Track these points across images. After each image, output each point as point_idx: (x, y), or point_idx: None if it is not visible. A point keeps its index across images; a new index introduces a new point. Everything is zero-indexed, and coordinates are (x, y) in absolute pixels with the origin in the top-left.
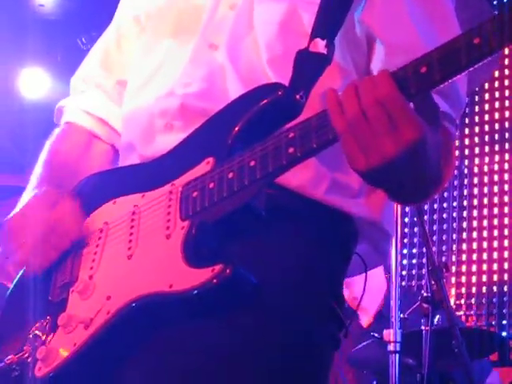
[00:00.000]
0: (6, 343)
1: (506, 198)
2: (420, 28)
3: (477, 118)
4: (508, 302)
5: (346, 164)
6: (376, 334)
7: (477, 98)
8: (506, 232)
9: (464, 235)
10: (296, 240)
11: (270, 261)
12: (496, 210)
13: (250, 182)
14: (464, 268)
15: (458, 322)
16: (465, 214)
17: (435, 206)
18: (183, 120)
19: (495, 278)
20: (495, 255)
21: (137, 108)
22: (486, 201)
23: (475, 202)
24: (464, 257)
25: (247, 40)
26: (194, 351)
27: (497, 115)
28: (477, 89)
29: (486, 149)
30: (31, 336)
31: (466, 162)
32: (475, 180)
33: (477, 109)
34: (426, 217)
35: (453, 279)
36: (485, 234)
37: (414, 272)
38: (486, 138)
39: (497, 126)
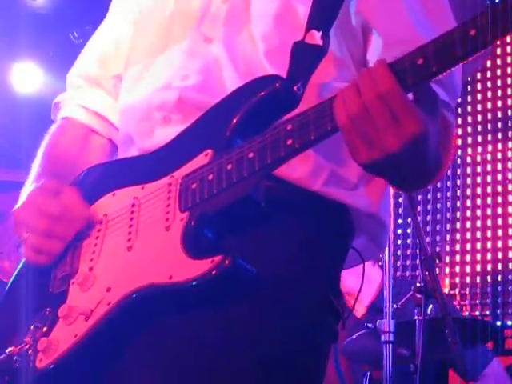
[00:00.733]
0: (7, 335)
1: (500, 188)
2: (416, 19)
3: (469, 108)
4: (502, 292)
5: (344, 156)
6: (369, 325)
7: (469, 88)
8: (500, 222)
9: (458, 225)
10: (294, 232)
11: (268, 252)
12: (489, 200)
13: (249, 174)
14: (458, 258)
15: (452, 311)
16: (458, 204)
17: (429, 196)
18: (181, 113)
19: (489, 267)
20: (489, 245)
21: (134, 100)
22: (479, 191)
23: (468, 191)
24: (458, 247)
25: (243, 33)
26: (193, 342)
27: (489, 105)
28: (469, 79)
29: (479, 139)
30: (32, 327)
31: (459, 152)
32: (468, 170)
33: (469, 99)
34: (419, 207)
35: (447, 269)
36: (478, 223)
37: (408, 263)
38: (479, 127)
39: (489, 116)
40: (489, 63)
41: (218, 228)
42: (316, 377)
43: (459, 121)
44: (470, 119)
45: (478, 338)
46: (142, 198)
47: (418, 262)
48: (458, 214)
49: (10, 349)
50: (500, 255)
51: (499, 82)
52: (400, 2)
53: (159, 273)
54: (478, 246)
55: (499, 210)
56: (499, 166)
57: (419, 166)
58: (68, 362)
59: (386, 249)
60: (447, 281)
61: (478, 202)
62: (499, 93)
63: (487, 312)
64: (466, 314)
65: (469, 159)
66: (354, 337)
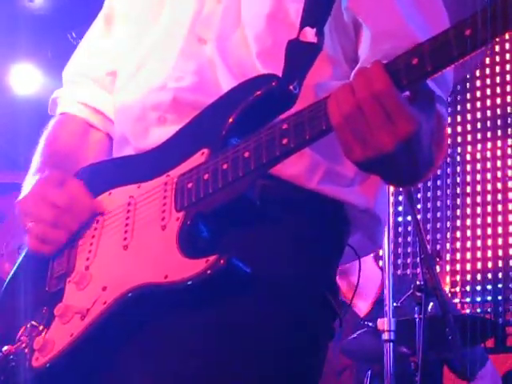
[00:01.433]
0: (3, 334)
1: (499, 185)
2: (406, 13)
3: (468, 106)
4: (503, 289)
5: (339, 153)
6: (370, 323)
7: (468, 85)
8: (500, 219)
9: (458, 223)
10: (290, 230)
11: (264, 251)
12: (489, 197)
13: (245, 173)
14: (458, 255)
15: (452, 309)
16: (458, 201)
17: (429, 194)
18: (176, 113)
19: (490, 264)
20: (489, 242)
21: (128, 100)
22: (479, 188)
23: (468, 189)
24: (458, 244)
25: (235, 34)
26: (189, 341)
27: (488, 102)
28: (468, 76)
29: (479, 136)
30: (28, 326)
31: (459, 149)
32: (468, 167)
33: (468, 96)
34: (419, 205)
35: (447, 267)
36: (478, 221)
37: (408, 261)
38: (479, 125)
39: (489, 113)
40: (487, 60)
41: (213, 227)
42: (313, 375)
43: (458, 118)
44: (469, 116)
45: (480, 335)
46: (138, 197)
47: (418, 259)
48: (458, 212)
49: (5, 348)
50: (500, 252)
51: (498, 79)
52: None
53: (155, 272)
54: (479, 243)
55: (499, 208)
56: (499, 164)
57: (412, 164)
58: (64, 361)
59: (386, 247)
60: (448, 278)
61: (478, 199)
62: (498, 90)
63: (488, 309)
64: (467, 311)
65: (468, 157)
66: (355, 336)
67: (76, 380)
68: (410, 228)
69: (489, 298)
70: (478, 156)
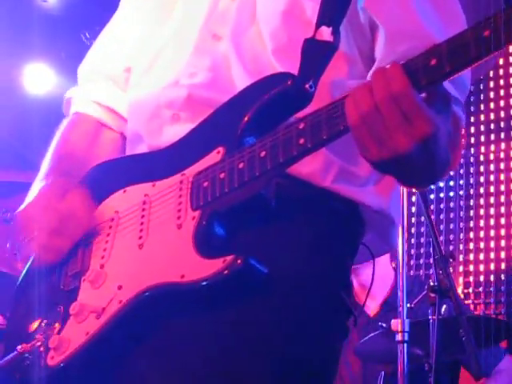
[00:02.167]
0: (18, 332)
1: None
2: (422, 13)
3: (482, 106)
4: None
5: (354, 153)
6: (384, 324)
7: (482, 86)
8: None
9: (471, 224)
10: (304, 229)
11: (279, 250)
12: (503, 198)
13: (261, 173)
14: (472, 257)
15: (465, 310)
16: (471, 202)
17: (441, 195)
18: (190, 111)
19: (503, 266)
20: (503, 243)
21: (142, 96)
22: (492, 189)
23: (482, 190)
24: (471, 245)
25: (251, 31)
26: (205, 341)
27: (502, 103)
28: (482, 77)
29: (492, 137)
30: (43, 325)
31: (472, 150)
32: (481, 168)
33: (482, 97)
34: (432, 206)
35: (460, 268)
36: (492, 222)
37: (421, 261)
38: (492, 125)
39: (502, 114)
40: (501, 61)
41: (229, 226)
42: (328, 373)
43: (472, 119)
44: (482, 117)
45: (493, 337)
46: (154, 195)
47: (431, 260)
48: (472, 213)
49: (21, 346)
50: None
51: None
52: None
53: (171, 272)
54: (492, 244)
55: None
56: None
57: (428, 166)
58: (79, 359)
59: (400, 248)
60: (461, 279)
61: (492, 200)
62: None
63: (501, 311)
64: (481, 312)
65: (482, 157)
66: (368, 337)
67: (90, 378)
68: (422, 229)
69: (502, 299)
70: (492, 157)
